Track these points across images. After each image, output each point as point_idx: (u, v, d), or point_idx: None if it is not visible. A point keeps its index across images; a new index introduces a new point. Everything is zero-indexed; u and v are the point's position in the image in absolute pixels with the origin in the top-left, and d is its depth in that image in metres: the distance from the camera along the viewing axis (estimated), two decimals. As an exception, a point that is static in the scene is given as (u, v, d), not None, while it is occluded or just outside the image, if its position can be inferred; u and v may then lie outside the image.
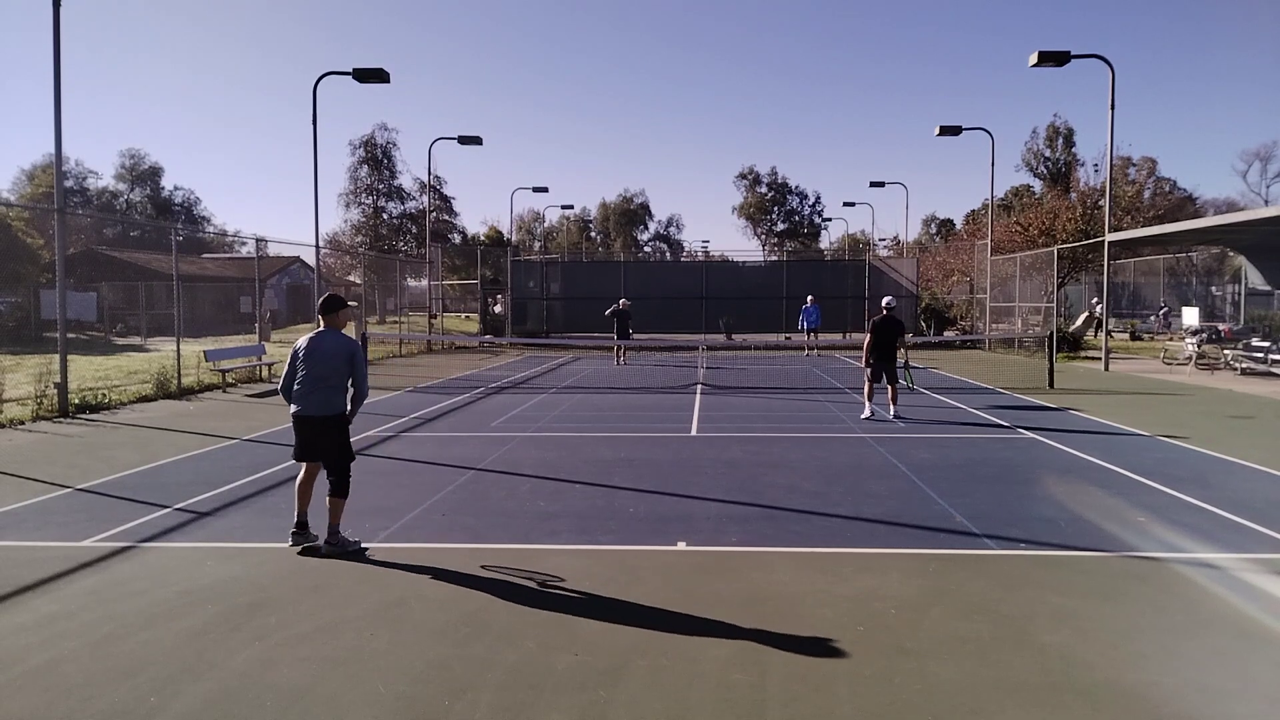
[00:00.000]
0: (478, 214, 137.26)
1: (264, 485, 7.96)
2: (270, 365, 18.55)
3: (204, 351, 17.18)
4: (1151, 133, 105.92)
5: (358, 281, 48.48)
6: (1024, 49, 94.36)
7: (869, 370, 12.17)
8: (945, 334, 30.53)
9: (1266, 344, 18.58)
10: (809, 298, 26.15)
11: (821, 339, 26.86)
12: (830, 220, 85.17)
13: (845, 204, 67.08)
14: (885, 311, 12.30)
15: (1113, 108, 20.29)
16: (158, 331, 34.27)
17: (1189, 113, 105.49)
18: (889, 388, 12.11)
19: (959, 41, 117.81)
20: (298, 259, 51.36)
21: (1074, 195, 39.75)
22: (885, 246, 64.89)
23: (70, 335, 16.00)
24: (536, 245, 76.66)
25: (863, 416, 12.06)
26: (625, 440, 10.55)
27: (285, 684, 3.90)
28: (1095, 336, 28.76)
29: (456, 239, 67.66)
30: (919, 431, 11.06)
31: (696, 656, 4.18)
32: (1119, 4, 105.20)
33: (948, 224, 77.54)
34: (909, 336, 14.04)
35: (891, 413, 12.00)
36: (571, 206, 72.02)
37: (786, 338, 25.20)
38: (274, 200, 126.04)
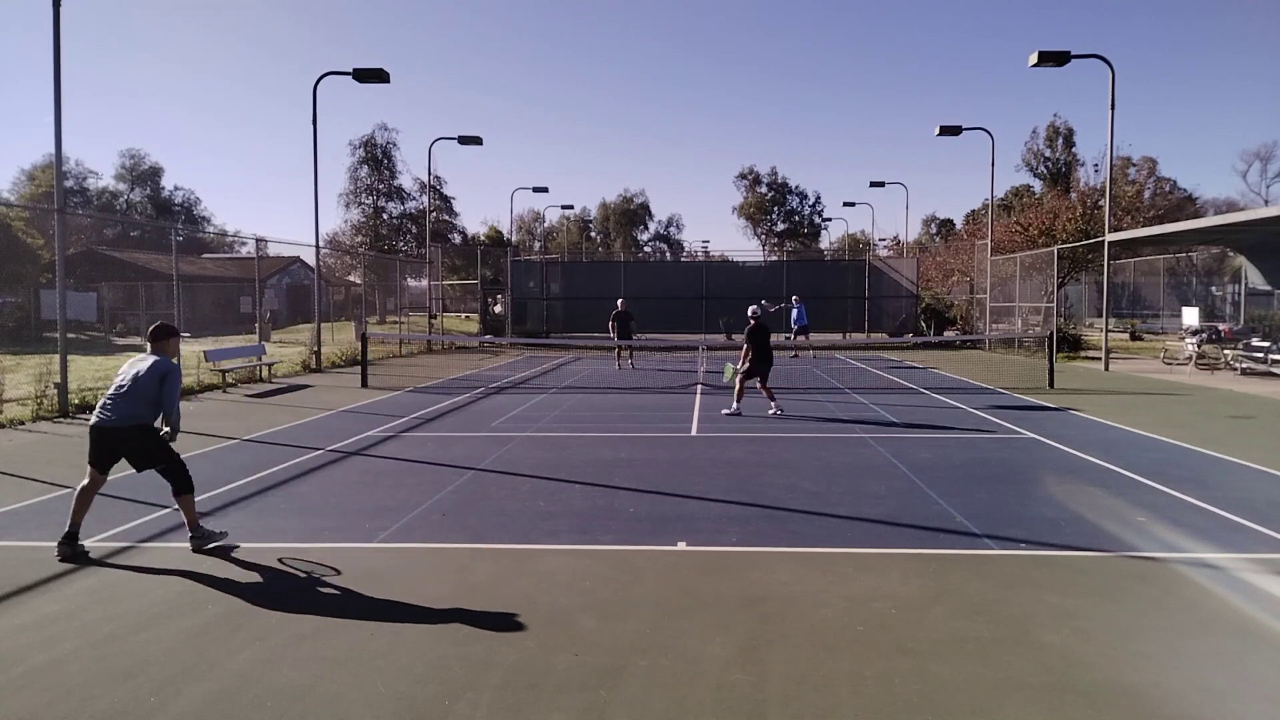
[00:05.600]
0: (478, 214, 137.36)
1: (264, 485, 7.95)
2: (270, 365, 18.56)
3: (204, 352, 17.18)
4: (1151, 133, 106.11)
5: (358, 281, 48.51)
6: (1024, 49, 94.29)
7: (744, 369, 12.75)
8: (945, 334, 30.52)
9: (1266, 344, 18.57)
10: (793, 297, 25.42)
11: (821, 339, 26.76)
12: (830, 220, 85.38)
13: (845, 204, 67.10)
14: (752, 320, 12.92)
15: (1113, 108, 20.31)
16: (158, 331, 34.21)
17: (1189, 113, 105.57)
18: (764, 390, 12.70)
19: (959, 41, 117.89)
20: (298, 259, 51.40)
21: (1074, 195, 39.79)
22: (885, 246, 64.79)
23: (70, 335, 15.99)
24: (536, 245, 76.64)
25: (724, 412, 12.68)
26: (625, 440, 10.55)
27: (285, 684, 3.90)
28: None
29: (456, 239, 67.67)
30: (919, 431, 11.06)
31: (696, 656, 4.17)
32: (1119, 4, 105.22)
33: (948, 224, 77.55)
34: (909, 337, 14.25)
35: (772, 409, 12.44)
36: (571, 206, 72.02)
37: (786, 337, 25.17)
38: (274, 200, 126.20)
